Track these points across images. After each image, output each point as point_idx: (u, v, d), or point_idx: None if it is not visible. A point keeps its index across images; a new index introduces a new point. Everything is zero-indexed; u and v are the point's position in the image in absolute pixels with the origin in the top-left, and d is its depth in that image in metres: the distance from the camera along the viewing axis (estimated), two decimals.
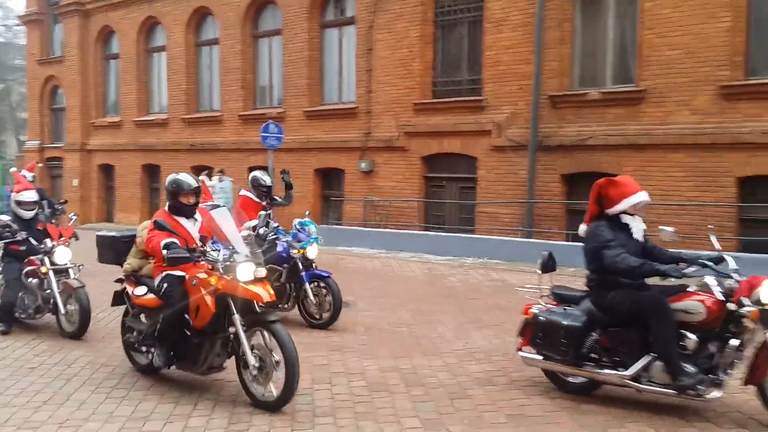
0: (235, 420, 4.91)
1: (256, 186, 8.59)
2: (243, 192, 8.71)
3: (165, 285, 5.52)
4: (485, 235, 13.74)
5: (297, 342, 6.91)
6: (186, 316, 5.40)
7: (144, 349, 5.90)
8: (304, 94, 17.51)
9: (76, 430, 4.71)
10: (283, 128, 16.61)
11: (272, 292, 5.13)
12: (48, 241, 7.56)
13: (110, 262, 6.58)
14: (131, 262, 6.13)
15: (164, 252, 5.20)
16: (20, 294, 7.53)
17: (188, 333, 5.41)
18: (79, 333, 7.25)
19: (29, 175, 11.59)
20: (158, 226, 5.44)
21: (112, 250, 6.48)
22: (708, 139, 11.51)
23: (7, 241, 7.59)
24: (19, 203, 7.80)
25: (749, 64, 11.44)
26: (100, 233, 6.74)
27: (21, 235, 7.56)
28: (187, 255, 5.23)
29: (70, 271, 7.52)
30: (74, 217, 8.76)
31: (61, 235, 7.74)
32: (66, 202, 13.23)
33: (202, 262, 5.34)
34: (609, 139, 12.57)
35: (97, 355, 6.63)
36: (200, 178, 17.60)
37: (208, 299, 5.13)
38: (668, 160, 11.99)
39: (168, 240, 5.28)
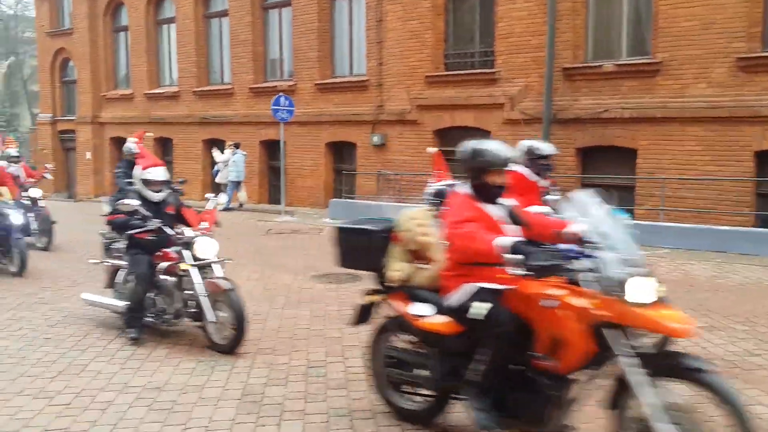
0: (249, 391, 4.93)
1: (533, 158, 6.24)
2: (514, 167, 5.71)
3: (485, 306, 3.64)
4: None
5: (311, 315, 6.93)
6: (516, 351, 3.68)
7: (415, 390, 4.34)
8: (314, 67, 17.38)
9: (91, 400, 4.75)
10: (294, 101, 16.54)
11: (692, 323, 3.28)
12: (188, 230, 6.19)
13: (362, 267, 4.69)
14: (401, 267, 4.27)
15: (512, 257, 3.37)
16: (151, 295, 6.25)
17: (528, 377, 3.68)
18: (232, 346, 5.73)
19: (134, 148, 9.74)
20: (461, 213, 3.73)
21: (367, 249, 4.43)
22: (725, 112, 11.34)
23: (136, 231, 6.19)
24: (146, 182, 6.31)
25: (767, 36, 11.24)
26: (342, 224, 4.70)
27: (154, 224, 6.11)
28: (557, 263, 3.44)
29: (215, 267, 6.07)
30: (214, 199, 7.47)
31: (202, 222, 6.31)
32: (185, 181, 11.08)
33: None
34: (624, 113, 12.42)
35: (111, 326, 6.66)
36: (212, 151, 17.74)
37: (581, 330, 3.38)
38: (685, 133, 11.85)
39: (512, 240, 3.46)
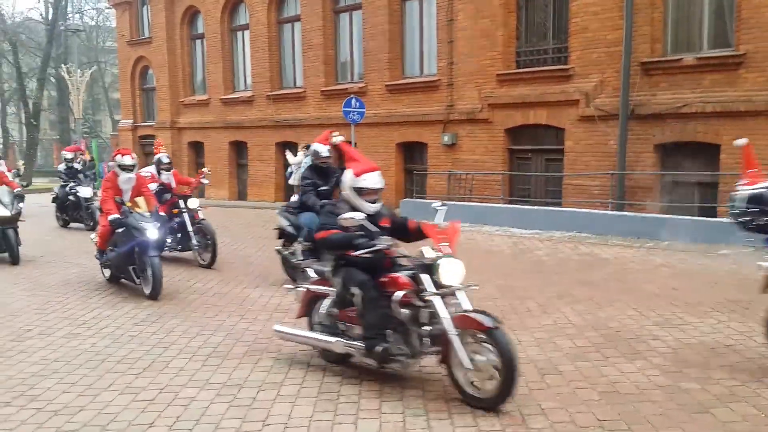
0: (325, 389, 4.97)
1: None
2: None
3: None
4: (573, 208, 13.39)
5: None
6: None
7: None
8: (385, 68, 17.45)
9: (174, 396, 4.89)
10: (365, 103, 16.64)
11: None
12: (427, 250, 4.84)
13: None
14: None
15: None
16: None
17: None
18: (497, 401, 4.51)
19: (323, 150, 8.94)
20: None
21: None
22: None
23: (364, 251, 4.99)
24: (360, 191, 5.20)
25: None
26: None
27: (384, 243, 5.04)
28: None
29: (460, 296, 4.83)
30: (442, 209, 5.30)
31: (442, 240, 4.90)
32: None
33: None
34: (706, 107, 11.96)
35: (191, 324, 6.85)
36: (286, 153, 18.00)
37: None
38: None
39: None
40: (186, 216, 10.30)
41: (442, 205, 5.30)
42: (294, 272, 8.30)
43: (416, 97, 16.93)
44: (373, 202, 5.25)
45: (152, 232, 8.05)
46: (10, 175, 12.45)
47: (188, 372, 5.42)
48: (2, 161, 12.75)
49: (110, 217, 8.27)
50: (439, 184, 16.27)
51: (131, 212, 8.28)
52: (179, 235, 10.38)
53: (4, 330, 6.73)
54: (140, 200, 8.62)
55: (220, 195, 22.66)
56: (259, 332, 6.52)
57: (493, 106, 15.17)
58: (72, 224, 15.50)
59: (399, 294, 4.84)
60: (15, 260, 10.52)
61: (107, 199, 8.51)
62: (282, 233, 8.81)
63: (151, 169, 11.08)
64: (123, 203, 8.53)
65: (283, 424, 4.38)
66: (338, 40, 19.30)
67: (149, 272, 7.97)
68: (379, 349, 4.88)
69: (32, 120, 39.72)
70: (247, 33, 21.82)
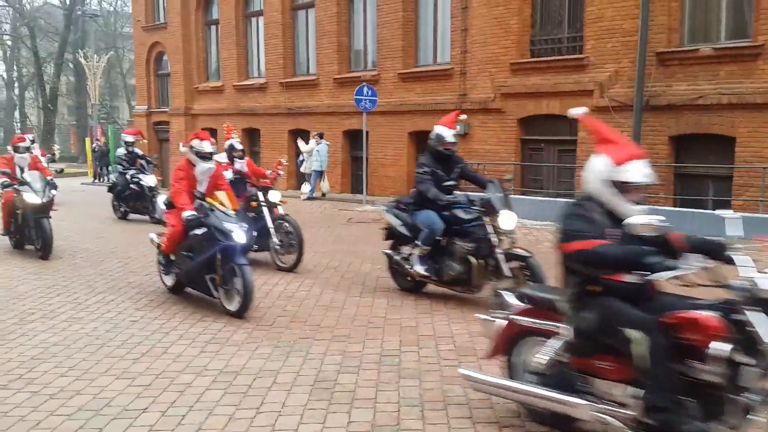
0: (322, 377, 4.94)
1: None
2: None
3: None
4: None
5: (387, 304, 6.91)
6: None
7: None
8: (398, 56, 17.33)
9: (170, 382, 4.87)
10: (378, 91, 16.55)
11: None
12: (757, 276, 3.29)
13: None
14: None
15: None
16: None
17: None
18: None
19: (447, 134, 7.32)
20: None
21: None
22: None
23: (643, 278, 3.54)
24: (622, 186, 3.72)
25: None
26: None
27: (684, 265, 3.54)
28: None
29: None
30: None
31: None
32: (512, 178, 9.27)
33: None
34: (722, 98, 11.75)
35: (193, 311, 6.84)
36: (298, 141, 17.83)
37: None
38: None
39: None
40: (265, 211, 8.88)
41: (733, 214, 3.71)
42: (404, 280, 7.57)
43: (429, 85, 16.80)
44: (637, 203, 3.76)
45: (240, 234, 6.53)
46: (44, 160, 12.13)
47: (186, 358, 5.40)
48: (35, 145, 12.43)
49: (185, 214, 6.66)
50: None
51: (212, 209, 6.80)
52: (255, 232, 8.51)
53: (8, 313, 6.76)
54: (221, 195, 7.15)
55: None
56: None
57: (506, 96, 15.01)
58: (132, 215, 14.29)
59: (722, 347, 3.20)
60: (46, 253, 9.49)
61: (181, 192, 6.94)
62: (391, 234, 7.65)
63: (223, 157, 9.55)
64: (202, 198, 7.05)
65: (276, 412, 4.35)
66: (352, 27, 19.19)
67: (236, 284, 6.51)
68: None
69: (49, 105, 40.08)
70: (261, 19, 21.75)
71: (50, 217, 9.65)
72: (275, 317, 6.60)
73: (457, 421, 4.19)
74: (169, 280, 7.57)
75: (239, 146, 9.86)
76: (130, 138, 14.70)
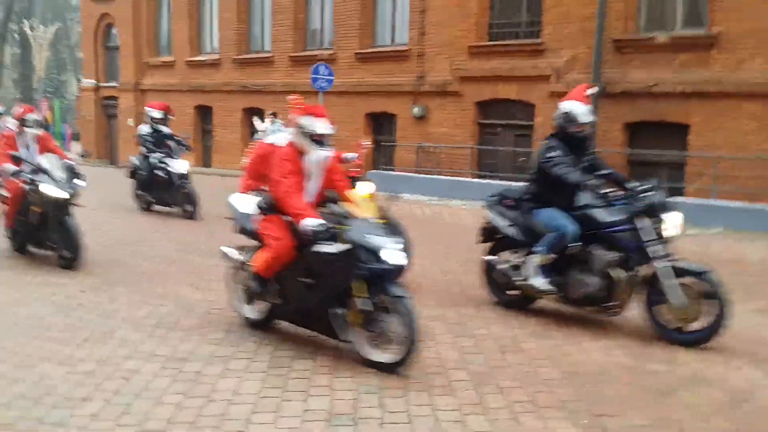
0: (275, 363, 4.78)
1: None
2: None
3: None
4: None
5: None
6: None
7: None
8: (355, 36, 17.08)
9: (115, 369, 4.64)
10: (334, 71, 16.28)
11: None
12: None
13: None
14: None
15: None
16: None
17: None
18: None
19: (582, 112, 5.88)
20: None
21: None
22: None
23: None
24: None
25: None
26: None
27: None
28: None
29: None
30: None
31: None
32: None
33: None
34: (676, 87, 11.89)
35: (139, 294, 6.57)
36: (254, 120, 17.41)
37: None
38: (740, 110, 11.30)
39: None
40: None
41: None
42: (506, 294, 6.28)
43: (386, 66, 16.60)
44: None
45: (394, 253, 4.65)
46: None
47: (132, 343, 5.17)
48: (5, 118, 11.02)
49: (310, 224, 4.68)
50: (408, 157, 16.04)
51: (346, 216, 4.87)
52: None
53: None
54: (356, 195, 5.20)
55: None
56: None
57: (463, 79, 14.94)
58: (156, 207, 11.87)
59: None
60: (73, 260, 7.34)
61: (295, 192, 4.92)
62: (490, 235, 6.42)
63: (281, 139, 7.07)
64: (334, 201, 5.28)
65: (227, 400, 4.17)
66: (309, 4, 18.81)
67: (390, 326, 4.63)
68: None
69: None
70: None
71: (72, 214, 7.45)
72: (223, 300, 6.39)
73: (417, 409, 4.09)
74: (255, 312, 5.52)
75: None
76: (156, 113, 11.96)
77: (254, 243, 5.41)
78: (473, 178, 14.57)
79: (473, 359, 4.98)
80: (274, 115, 17.83)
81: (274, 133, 17.29)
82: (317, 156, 5.10)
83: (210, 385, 4.41)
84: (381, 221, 4.85)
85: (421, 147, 15.68)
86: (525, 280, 5.93)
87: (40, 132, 7.92)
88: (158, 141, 11.72)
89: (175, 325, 5.63)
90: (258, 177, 7.60)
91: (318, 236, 4.67)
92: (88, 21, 26.35)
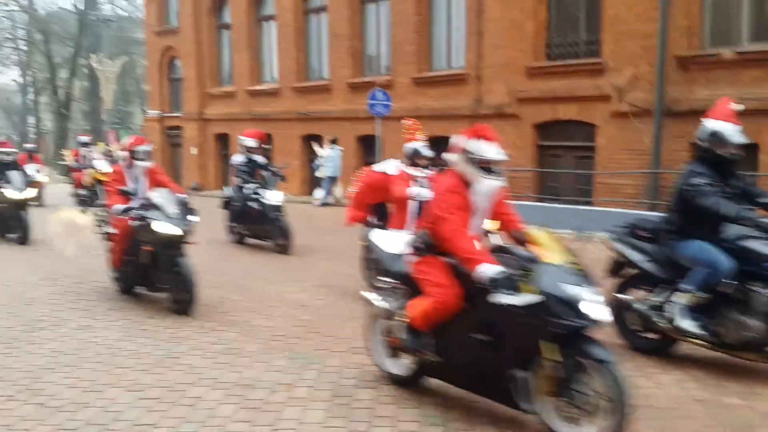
0: (339, 392, 4.74)
1: None
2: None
3: None
4: (605, 208, 12.96)
5: None
6: None
7: None
8: (412, 61, 17.15)
9: (181, 395, 4.69)
10: (392, 96, 16.37)
11: None
12: None
13: None
14: None
15: None
16: None
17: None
18: None
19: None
20: None
21: None
22: None
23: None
24: None
25: None
26: None
27: None
28: None
29: None
30: None
31: None
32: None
33: None
34: (745, 104, 11.44)
35: (205, 320, 6.65)
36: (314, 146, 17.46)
37: None
38: None
39: None
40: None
41: None
42: (641, 337, 5.61)
43: (443, 90, 16.60)
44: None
45: (596, 307, 3.85)
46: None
47: (198, 369, 5.21)
48: (95, 147, 12.67)
49: (489, 272, 3.96)
50: None
51: (531, 259, 4.05)
52: None
53: (15, 319, 6.61)
54: (542, 234, 4.23)
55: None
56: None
57: (522, 101, 14.79)
58: (250, 240, 11.37)
59: None
60: (186, 303, 6.77)
61: (463, 232, 4.22)
62: (619, 269, 5.79)
63: (393, 167, 7.32)
64: (520, 241, 4.47)
65: (292, 430, 4.15)
66: (365, 31, 19.03)
67: (591, 396, 3.83)
68: None
69: (63, 110, 40.14)
70: (273, 23, 21.65)
71: (186, 254, 6.91)
72: (290, 327, 6.41)
73: None
74: (401, 367, 4.83)
75: (427, 152, 7.31)
76: (251, 142, 11.47)
77: (402, 287, 4.68)
78: (535, 201, 14.33)
79: None
80: (334, 141, 18.08)
81: (332, 159, 17.65)
82: (486, 186, 4.35)
83: (275, 413, 4.40)
84: (575, 266, 3.99)
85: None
86: (669, 322, 5.19)
87: (150, 164, 7.50)
88: (252, 170, 11.21)
89: (239, 351, 5.66)
90: (367, 207, 7.54)
91: (497, 285, 3.93)
92: (152, 54, 27.26)
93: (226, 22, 23.64)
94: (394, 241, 4.93)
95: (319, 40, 20.37)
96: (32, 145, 20.96)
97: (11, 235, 11.60)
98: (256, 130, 12.48)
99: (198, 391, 4.75)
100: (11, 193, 11.37)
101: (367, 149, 18.48)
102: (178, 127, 25.89)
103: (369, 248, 7.23)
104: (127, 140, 7.86)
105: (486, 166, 4.30)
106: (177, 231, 6.75)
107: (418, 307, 4.40)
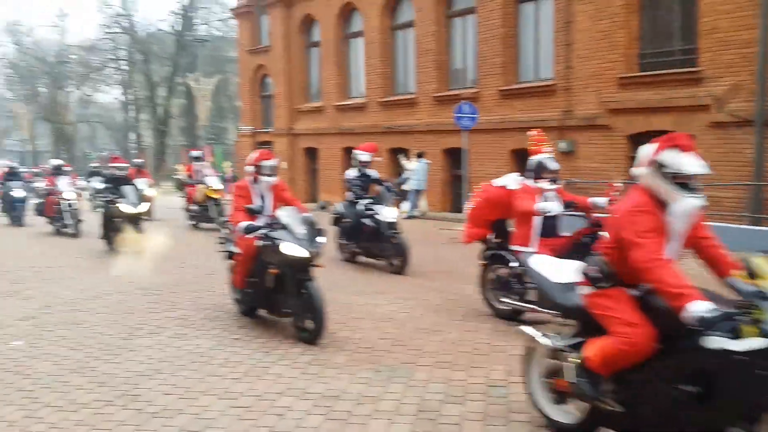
0: (425, 407, 4.71)
1: None
2: None
3: None
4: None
5: (492, 329, 6.59)
6: None
7: None
8: (498, 73, 17.03)
9: (271, 404, 4.78)
10: (478, 108, 16.30)
11: None
12: None
13: None
14: None
15: None
16: None
17: None
18: None
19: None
20: None
21: None
22: None
23: None
24: None
25: None
26: None
27: None
28: None
29: None
30: None
31: None
32: None
33: None
34: None
35: (294, 330, 6.76)
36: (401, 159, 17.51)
37: None
38: None
39: None
40: None
41: None
42: None
43: (531, 102, 16.39)
44: None
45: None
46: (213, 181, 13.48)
47: (286, 380, 5.31)
48: (207, 163, 13.19)
49: (699, 309, 3.27)
50: None
51: (758, 294, 3.23)
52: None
53: (117, 327, 6.94)
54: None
55: (333, 200, 22.94)
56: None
57: (613, 112, 14.41)
58: (361, 258, 10.79)
59: None
60: (315, 332, 6.22)
61: (666, 260, 3.56)
62: None
63: (514, 179, 7.02)
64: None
65: None
66: (452, 45, 19.06)
67: None
68: None
69: (162, 126, 42.02)
70: (361, 40, 22.00)
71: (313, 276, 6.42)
72: (375, 339, 6.44)
73: None
74: (567, 415, 4.15)
75: (554, 165, 6.81)
76: (365, 156, 10.87)
77: (573, 323, 4.17)
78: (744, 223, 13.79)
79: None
80: (420, 155, 18.13)
81: (417, 172, 17.68)
82: (684, 206, 3.64)
83: (360, 425, 4.42)
84: None
85: (568, 183, 15.21)
86: None
87: (276, 180, 7.04)
88: (366, 185, 10.69)
89: (326, 362, 5.73)
90: (487, 224, 7.18)
91: (709, 326, 3.23)
92: (245, 72, 28.20)
93: (315, 41, 24.20)
94: (561, 269, 4.38)
95: (405, 54, 20.56)
96: (140, 160, 21.18)
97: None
98: (371, 143, 11.80)
99: (286, 401, 4.84)
100: (126, 208, 11.80)
101: (453, 162, 18.43)
102: (268, 142, 26.60)
103: (490, 267, 7.15)
104: (253, 154, 7.12)
105: (683, 182, 3.62)
106: (306, 253, 6.21)
107: (597, 347, 3.73)
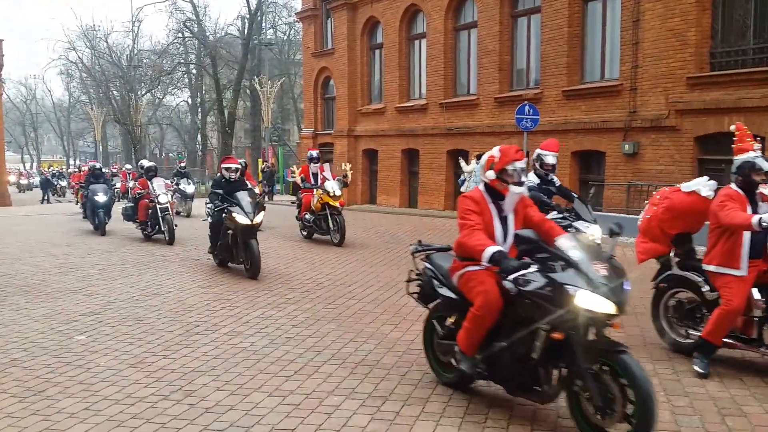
0: (472, 410, 4.66)
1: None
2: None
3: None
4: None
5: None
6: None
7: None
8: (562, 73, 16.72)
9: (319, 403, 4.82)
10: (540, 110, 16.05)
11: None
12: None
13: None
14: None
15: None
16: None
17: None
18: None
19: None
20: None
21: None
22: None
23: None
24: None
25: None
26: None
27: None
28: None
29: None
30: None
31: None
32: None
33: None
34: None
35: (344, 331, 6.81)
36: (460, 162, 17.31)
37: None
38: None
39: None
40: None
41: None
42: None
43: (595, 103, 16.03)
44: None
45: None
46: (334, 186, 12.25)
47: (336, 379, 5.34)
48: (327, 165, 12.16)
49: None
50: (617, 196, 15.24)
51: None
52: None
53: (176, 324, 7.11)
54: None
55: (391, 202, 23.00)
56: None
57: (681, 113, 13.95)
58: None
59: None
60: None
61: None
62: None
63: (705, 184, 5.99)
64: None
65: None
66: (515, 45, 18.82)
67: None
68: None
69: (227, 128, 42.88)
70: (423, 41, 21.97)
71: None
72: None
73: None
74: None
75: (766, 164, 5.43)
76: (551, 158, 8.35)
77: None
78: None
79: (688, 421, 4.49)
80: (479, 156, 17.96)
81: (476, 174, 17.49)
82: None
83: (407, 426, 4.40)
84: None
85: (632, 186, 14.82)
86: None
87: (524, 191, 4.75)
88: (550, 195, 8.29)
89: (376, 362, 5.74)
90: (667, 238, 5.94)
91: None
92: (309, 75, 28.54)
93: (378, 43, 24.30)
94: None
95: (468, 55, 20.42)
96: (242, 160, 15.89)
97: (237, 265, 10.13)
98: (553, 139, 8.92)
99: (335, 400, 4.86)
100: (242, 219, 9.60)
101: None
102: (329, 144, 26.87)
103: (668, 291, 5.98)
104: (494, 152, 4.74)
105: None
106: (613, 309, 3.95)
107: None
